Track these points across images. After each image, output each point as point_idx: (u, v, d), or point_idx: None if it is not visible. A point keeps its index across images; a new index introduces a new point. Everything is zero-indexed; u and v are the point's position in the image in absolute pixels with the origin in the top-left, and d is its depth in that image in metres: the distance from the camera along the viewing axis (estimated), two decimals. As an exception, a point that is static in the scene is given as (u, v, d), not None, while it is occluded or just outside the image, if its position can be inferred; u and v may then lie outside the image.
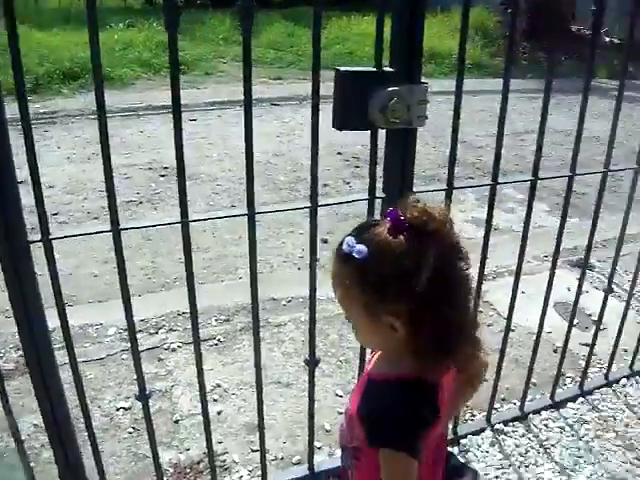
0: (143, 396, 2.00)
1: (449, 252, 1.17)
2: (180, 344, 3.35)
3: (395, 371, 1.26)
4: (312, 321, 2.09)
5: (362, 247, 1.15)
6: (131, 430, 2.74)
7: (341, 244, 1.21)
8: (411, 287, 1.12)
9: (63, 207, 5.33)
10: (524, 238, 2.35)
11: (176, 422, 2.80)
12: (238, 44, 13.22)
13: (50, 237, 1.63)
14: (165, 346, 3.33)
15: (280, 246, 4.74)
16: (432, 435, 1.30)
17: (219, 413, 2.85)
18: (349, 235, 1.21)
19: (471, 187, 2.04)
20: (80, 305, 3.83)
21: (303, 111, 8.75)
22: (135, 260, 4.29)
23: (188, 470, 2.56)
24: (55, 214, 5.11)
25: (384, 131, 1.82)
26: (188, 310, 3.60)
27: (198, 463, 2.59)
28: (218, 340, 3.39)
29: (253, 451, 2.64)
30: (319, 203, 1.86)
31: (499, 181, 2.16)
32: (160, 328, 3.53)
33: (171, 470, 2.56)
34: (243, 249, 4.44)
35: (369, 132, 1.77)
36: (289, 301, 3.86)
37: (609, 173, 2.44)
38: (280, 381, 3.06)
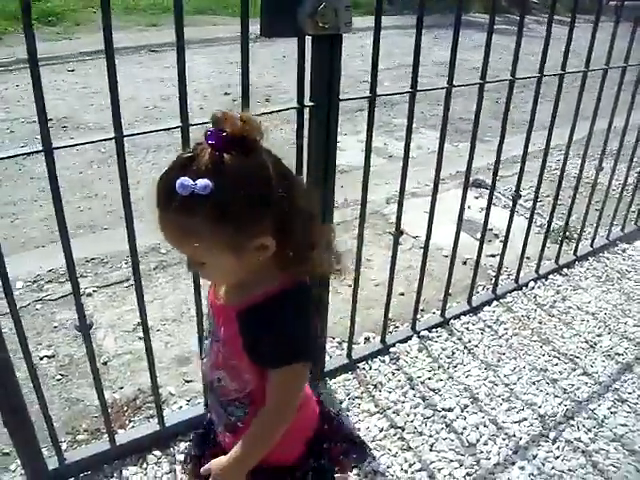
0: (84, 326, 1.95)
1: (276, 157, 1.14)
2: (95, 288, 3.27)
3: (264, 288, 1.21)
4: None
5: (204, 181, 1.01)
6: (59, 377, 2.68)
7: (170, 193, 1.04)
8: (268, 200, 1.08)
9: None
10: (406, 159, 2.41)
11: (104, 364, 2.76)
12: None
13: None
14: (81, 291, 3.24)
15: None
16: None
17: (147, 350, 2.81)
18: (173, 179, 1.04)
19: (354, 98, 2.01)
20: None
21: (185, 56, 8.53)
22: (33, 212, 4.12)
23: (125, 408, 2.53)
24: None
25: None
26: (95, 256, 3.57)
27: (134, 400, 2.58)
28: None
29: (187, 382, 2.65)
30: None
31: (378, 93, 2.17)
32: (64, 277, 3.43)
33: (109, 410, 2.52)
34: (143, 192, 4.39)
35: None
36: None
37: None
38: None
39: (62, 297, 3.16)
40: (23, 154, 1.69)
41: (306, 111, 1.94)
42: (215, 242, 1.08)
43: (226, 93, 6.88)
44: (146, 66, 8.26)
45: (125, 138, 1.68)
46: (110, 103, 1.63)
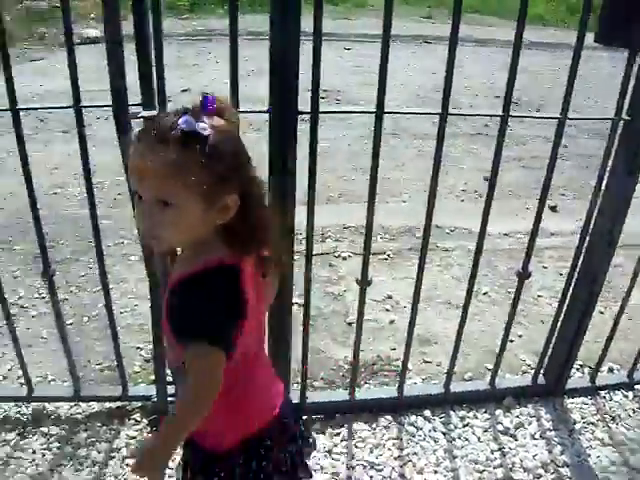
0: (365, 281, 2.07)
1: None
2: (350, 254, 3.45)
3: (201, 264, 1.20)
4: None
5: (205, 124, 1.10)
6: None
7: (170, 128, 1.10)
8: (243, 168, 1.18)
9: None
10: None
11: (349, 324, 2.90)
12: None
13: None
14: (336, 254, 3.44)
15: (443, 179, 4.74)
16: (247, 328, 1.24)
17: (391, 322, 2.94)
18: (174, 118, 1.11)
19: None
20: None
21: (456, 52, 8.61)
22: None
23: (362, 370, 2.65)
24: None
25: None
26: (352, 224, 3.75)
27: (372, 365, 2.69)
28: (388, 255, 3.47)
29: (425, 362, 2.72)
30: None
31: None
32: (327, 237, 3.64)
33: (346, 367, 2.67)
34: (407, 174, 4.58)
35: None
36: (452, 230, 3.88)
37: None
38: (450, 302, 3.10)
39: (320, 254, 3.37)
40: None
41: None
42: (194, 184, 1.10)
43: (496, 96, 6.84)
44: (419, 56, 8.43)
45: (387, 116, 1.84)
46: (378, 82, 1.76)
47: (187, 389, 1.24)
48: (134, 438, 2.28)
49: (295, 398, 2.32)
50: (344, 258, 3.42)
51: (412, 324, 2.27)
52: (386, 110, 1.84)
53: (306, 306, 2.15)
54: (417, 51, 8.69)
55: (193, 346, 1.15)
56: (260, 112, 1.78)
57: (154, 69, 1.67)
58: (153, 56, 1.65)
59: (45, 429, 2.31)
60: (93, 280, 3.24)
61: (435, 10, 11.80)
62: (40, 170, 4.68)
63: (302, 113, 1.75)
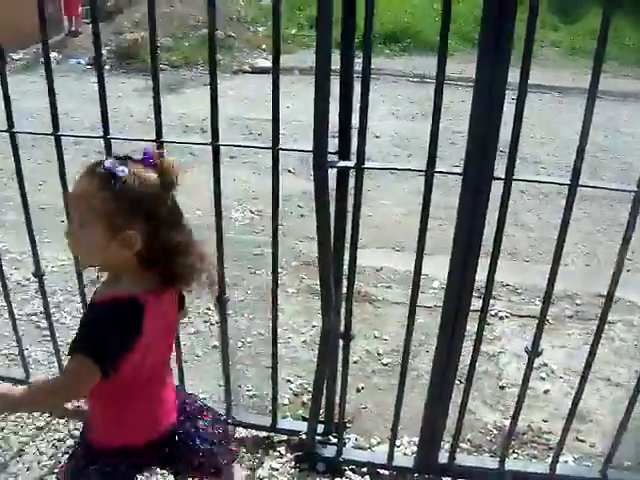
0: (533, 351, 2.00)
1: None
2: (507, 314, 3.36)
3: (110, 294, 1.41)
4: None
5: (124, 168, 1.34)
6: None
7: (100, 164, 1.36)
8: (156, 209, 1.38)
9: (391, 158, 5.57)
10: None
11: (502, 388, 2.81)
12: (554, 29, 12.76)
13: (363, 166, 1.77)
14: (492, 312, 3.35)
15: (609, 246, 4.53)
16: (140, 357, 1.43)
17: (546, 392, 2.82)
18: (104, 160, 1.37)
19: None
20: (407, 252, 3.99)
21: (627, 108, 8.35)
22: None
23: (513, 438, 2.55)
24: (384, 162, 5.33)
25: None
26: (511, 283, 3.65)
27: (523, 434, 2.58)
28: (546, 320, 3.34)
29: (578, 440, 2.58)
30: None
31: None
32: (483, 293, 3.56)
33: (495, 432, 2.58)
34: (573, 238, 4.42)
35: None
36: (616, 301, 3.67)
37: None
38: (610, 379, 2.93)
39: (475, 311, 3.29)
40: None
41: None
42: (101, 212, 1.34)
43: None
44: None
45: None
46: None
47: (55, 380, 1.61)
48: (277, 470, 2.31)
49: (443, 458, 2.27)
50: (500, 318, 3.32)
51: (575, 404, 2.16)
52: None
53: (470, 372, 2.10)
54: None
55: (80, 356, 1.36)
56: (454, 174, 1.77)
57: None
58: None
59: (192, 446, 2.38)
60: (251, 306, 3.35)
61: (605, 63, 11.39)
62: (205, 193, 4.92)
63: (497, 179, 1.72)
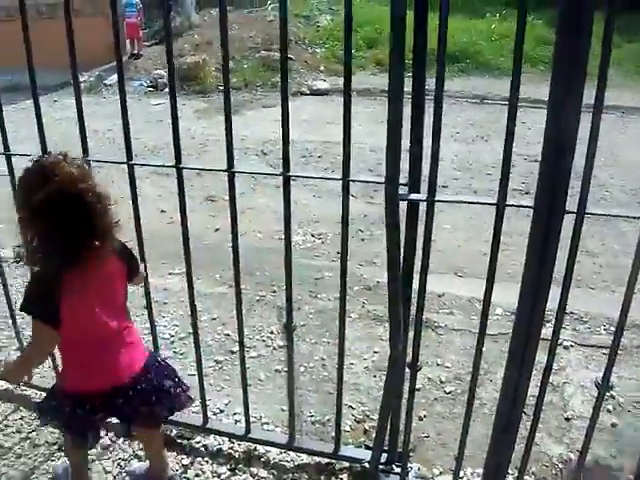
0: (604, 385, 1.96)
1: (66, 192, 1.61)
2: (572, 343, 3.29)
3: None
4: None
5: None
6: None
7: None
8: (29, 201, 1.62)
9: (451, 182, 5.54)
10: None
11: (567, 420, 2.76)
12: (617, 46, 12.53)
13: (435, 199, 1.77)
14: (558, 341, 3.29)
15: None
16: (76, 311, 1.75)
17: (613, 426, 2.74)
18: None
19: None
20: (469, 278, 3.96)
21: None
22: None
23: (581, 471, 2.50)
24: (444, 186, 5.31)
25: None
26: (575, 311, 3.58)
27: (589, 469, 2.52)
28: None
29: (650, 478, 2.50)
30: None
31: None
32: (548, 322, 3.50)
33: (560, 465, 2.52)
34: None
35: None
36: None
37: None
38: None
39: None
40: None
41: None
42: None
43: None
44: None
45: None
46: None
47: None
48: (339, 497, 2.31)
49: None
50: (565, 347, 3.26)
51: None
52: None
53: (538, 404, 2.06)
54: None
55: (32, 319, 1.77)
56: (525, 207, 1.75)
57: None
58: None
59: (254, 470, 2.41)
60: (312, 331, 3.36)
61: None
62: (267, 216, 4.99)
63: (568, 212, 1.70)
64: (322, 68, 12.59)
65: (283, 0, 1.75)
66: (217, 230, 4.68)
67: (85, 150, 2.14)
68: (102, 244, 1.70)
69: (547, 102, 1.53)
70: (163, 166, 2.17)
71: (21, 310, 1.80)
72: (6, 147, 2.31)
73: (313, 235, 4.72)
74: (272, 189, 5.44)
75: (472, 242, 4.46)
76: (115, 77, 11.94)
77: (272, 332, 3.33)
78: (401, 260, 1.85)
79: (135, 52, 12.58)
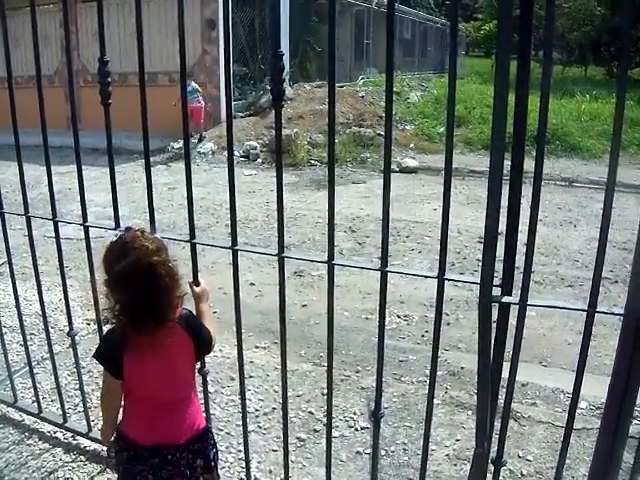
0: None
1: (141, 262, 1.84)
2: (660, 443, 3.21)
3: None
4: None
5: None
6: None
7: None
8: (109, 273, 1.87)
9: (538, 267, 5.50)
10: None
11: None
12: None
13: (528, 303, 1.79)
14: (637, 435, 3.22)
15: None
16: (134, 369, 1.96)
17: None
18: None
19: None
20: (553, 369, 3.92)
21: None
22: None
23: None
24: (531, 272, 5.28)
25: None
26: None
27: None
28: None
29: None
30: None
31: None
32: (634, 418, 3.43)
33: None
34: None
35: None
36: None
37: None
38: None
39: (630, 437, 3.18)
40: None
41: None
42: None
43: None
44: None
45: None
46: None
47: None
48: None
49: None
50: (654, 447, 3.18)
51: None
52: None
53: None
54: None
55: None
56: (616, 315, 1.77)
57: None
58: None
59: None
60: (395, 414, 3.40)
61: None
62: (355, 296, 5.08)
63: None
64: (412, 145, 12.80)
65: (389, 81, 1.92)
66: (304, 306, 4.78)
67: (192, 230, 2.34)
68: (166, 313, 1.92)
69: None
70: (267, 254, 2.31)
71: (93, 356, 2.10)
72: (84, 219, 2.63)
73: (399, 316, 4.76)
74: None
75: (557, 330, 4.41)
76: (209, 145, 12.46)
77: (355, 413, 3.38)
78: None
79: (198, 134, 12.71)
